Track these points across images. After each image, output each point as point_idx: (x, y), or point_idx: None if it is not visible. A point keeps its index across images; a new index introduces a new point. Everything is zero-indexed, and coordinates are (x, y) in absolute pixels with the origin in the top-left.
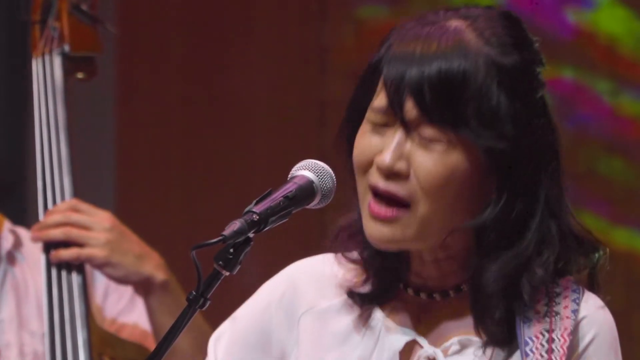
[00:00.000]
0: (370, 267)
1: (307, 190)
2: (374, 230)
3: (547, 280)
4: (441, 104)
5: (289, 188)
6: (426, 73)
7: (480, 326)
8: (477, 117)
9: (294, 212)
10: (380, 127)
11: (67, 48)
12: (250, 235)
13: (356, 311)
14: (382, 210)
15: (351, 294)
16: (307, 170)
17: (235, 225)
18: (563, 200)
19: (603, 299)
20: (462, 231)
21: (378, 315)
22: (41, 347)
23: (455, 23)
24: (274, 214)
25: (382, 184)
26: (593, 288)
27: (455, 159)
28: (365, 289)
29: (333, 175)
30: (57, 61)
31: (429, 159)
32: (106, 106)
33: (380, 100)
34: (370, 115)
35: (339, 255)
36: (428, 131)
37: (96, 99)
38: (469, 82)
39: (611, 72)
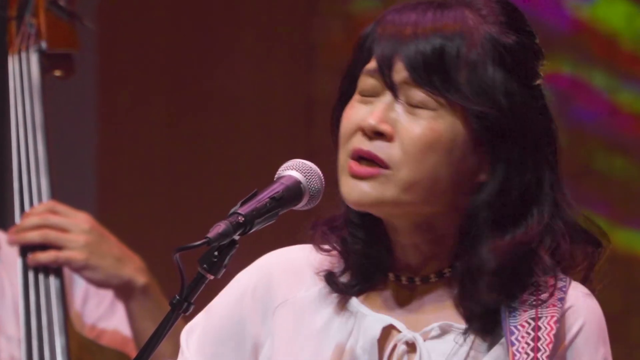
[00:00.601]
0: (349, 256)
1: (295, 191)
2: (351, 186)
3: (556, 266)
4: (431, 67)
5: (275, 189)
6: (420, 35)
7: (463, 312)
8: (468, 83)
9: (280, 213)
10: (369, 98)
11: (44, 45)
12: (236, 237)
13: (333, 300)
14: (362, 168)
15: (330, 282)
16: (295, 170)
17: (220, 227)
18: (565, 190)
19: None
20: (446, 216)
21: (354, 303)
22: (18, 352)
23: (453, 3)
24: (260, 215)
25: (365, 145)
26: (586, 283)
27: (443, 125)
28: (345, 278)
29: (321, 175)
30: (34, 58)
31: (414, 123)
32: (88, 105)
33: (371, 64)
34: (360, 83)
35: (318, 243)
36: (416, 95)
37: (78, 98)
38: (463, 50)
39: (610, 67)
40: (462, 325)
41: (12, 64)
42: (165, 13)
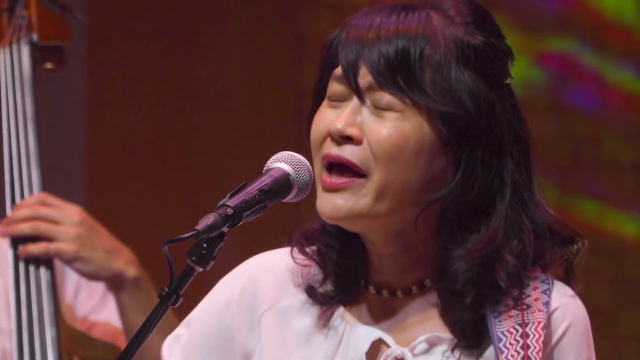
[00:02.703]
0: (326, 266)
1: (283, 183)
2: (325, 201)
3: (521, 268)
4: (395, 69)
5: (264, 181)
6: (382, 38)
7: (449, 322)
8: (433, 84)
9: (269, 206)
10: (336, 102)
11: (35, 37)
12: (225, 229)
13: (318, 309)
14: (334, 179)
15: (311, 293)
16: (284, 162)
17: (209, 219)
18: (533, 189)
19: (575, 290)
20: (419, 222)
21: (340, 313)
22: (9, 344)
23: (419, 5)
24: (248, 207)
25: (334, 150)
26: (569, 281)
27: (409, 126)
28: (325, 288)
29: (310, 167)
30: (25, 51)
31: (381, 125)
32: (76, 96)
33: (338, 69)
34: (329, 88)
35: (295, 254)
36: (382, 98)
37: (66, 89)
38: (427, 52)
39: (601, 44)
40: (450, 335)
41: (3, 56)
42: (153, 5)
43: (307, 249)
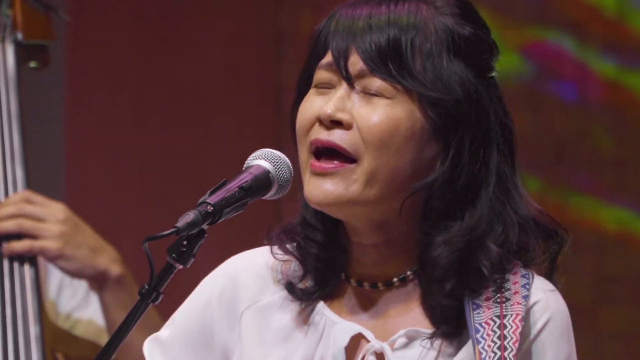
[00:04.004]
0: (307, 261)
1: (263, 180)
2: (314, 186)
3: (504, 257)
4: (387, 55)
5: (244, 178)
6: (374, 26)
7: (428, 309)
8: (424, 71)
9: (249, 203)
10: (324, 89)
11: (20, 36)
12: (205, 227)
13: (298, 305)
14: (324, 164)
15: (291, 289)
16: (263, 159)
17: (189, 216)
18: (517, 181)
19: (555, 285)
20: (404, 210)
21: (321, 309)
22: None
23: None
24: (228, 205)
25: (323, 135)
26: (552, 276)
27: (400, 111)
28: (305, 284)
29: (290, 165)
30: (10, 49)
31: (372, 111)
32: (56, 94)
33: (326, 58)
34: (315, 77)
35: (275, 250)
36: (372, 83)
37: (45, 87)
38: (418, 40)
39: (598, 35)
40: (429, 330)
41: None
42: (133, 4)
43: (287, 245)
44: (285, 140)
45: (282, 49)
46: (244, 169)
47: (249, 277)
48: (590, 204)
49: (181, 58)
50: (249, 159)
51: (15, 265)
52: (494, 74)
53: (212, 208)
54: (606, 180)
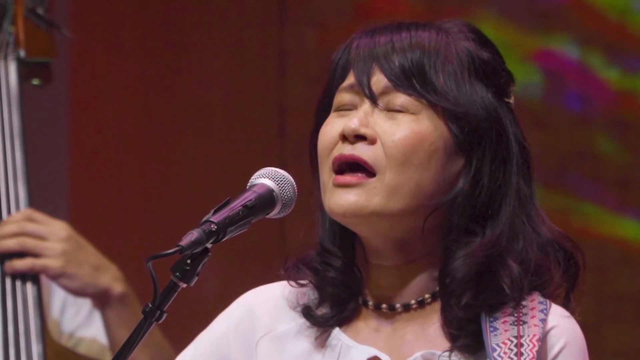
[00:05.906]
0: (324, 286)
1: (267, 199)
2: (337, 197)
3: (523, 275)
4: (411, 74)
5: (248, 197)
6: (398, 49)
7: (446, 328)
8: (447, 87)
9: (253, 221)
10: (345, 112)
11: (22, 53)
12: (208, 245)
13: (314, 332)
14: (347, 177)
15: (308, 315)
16: (267, 178)
17: (193, 235)
18: (536, 202)
19: (572, 314)
20: (426, 228)
21: (337, 333)
22: None
23: (423, 24)
24: (232, 223)
25: (347, 149)
26: (568, 305)
27: (424, 127)
28: (321, 310)
29: (294, 183)
30: (13, 67)
31: (395, 126)
32: (59, 112)
33: (347, 80)
34: (336, 100)
35: (291, 278)
36: (396, 99)
37: (49, 105)
38: (441, 62)
39: (604, 41)
40: (446, 352)
41: None
42: (136, 20)
43: (304, 272)
44: (289, 158)
45: (286, 67)
46: (247, 187)
47: (264, 308)
48: (594, 218)
49: (185, 75)
50: (252, 177)
51: (18, 283)
52: (511, 100)
53: (215, 227)
54: (610, 199)
